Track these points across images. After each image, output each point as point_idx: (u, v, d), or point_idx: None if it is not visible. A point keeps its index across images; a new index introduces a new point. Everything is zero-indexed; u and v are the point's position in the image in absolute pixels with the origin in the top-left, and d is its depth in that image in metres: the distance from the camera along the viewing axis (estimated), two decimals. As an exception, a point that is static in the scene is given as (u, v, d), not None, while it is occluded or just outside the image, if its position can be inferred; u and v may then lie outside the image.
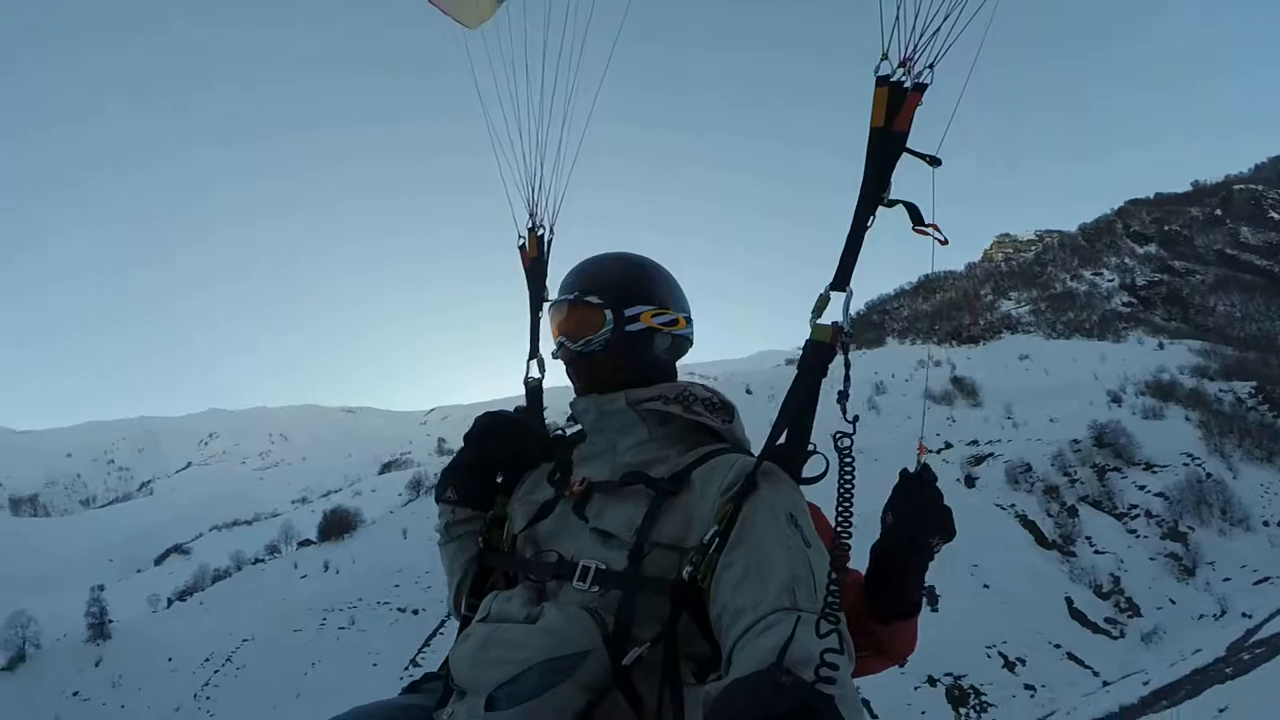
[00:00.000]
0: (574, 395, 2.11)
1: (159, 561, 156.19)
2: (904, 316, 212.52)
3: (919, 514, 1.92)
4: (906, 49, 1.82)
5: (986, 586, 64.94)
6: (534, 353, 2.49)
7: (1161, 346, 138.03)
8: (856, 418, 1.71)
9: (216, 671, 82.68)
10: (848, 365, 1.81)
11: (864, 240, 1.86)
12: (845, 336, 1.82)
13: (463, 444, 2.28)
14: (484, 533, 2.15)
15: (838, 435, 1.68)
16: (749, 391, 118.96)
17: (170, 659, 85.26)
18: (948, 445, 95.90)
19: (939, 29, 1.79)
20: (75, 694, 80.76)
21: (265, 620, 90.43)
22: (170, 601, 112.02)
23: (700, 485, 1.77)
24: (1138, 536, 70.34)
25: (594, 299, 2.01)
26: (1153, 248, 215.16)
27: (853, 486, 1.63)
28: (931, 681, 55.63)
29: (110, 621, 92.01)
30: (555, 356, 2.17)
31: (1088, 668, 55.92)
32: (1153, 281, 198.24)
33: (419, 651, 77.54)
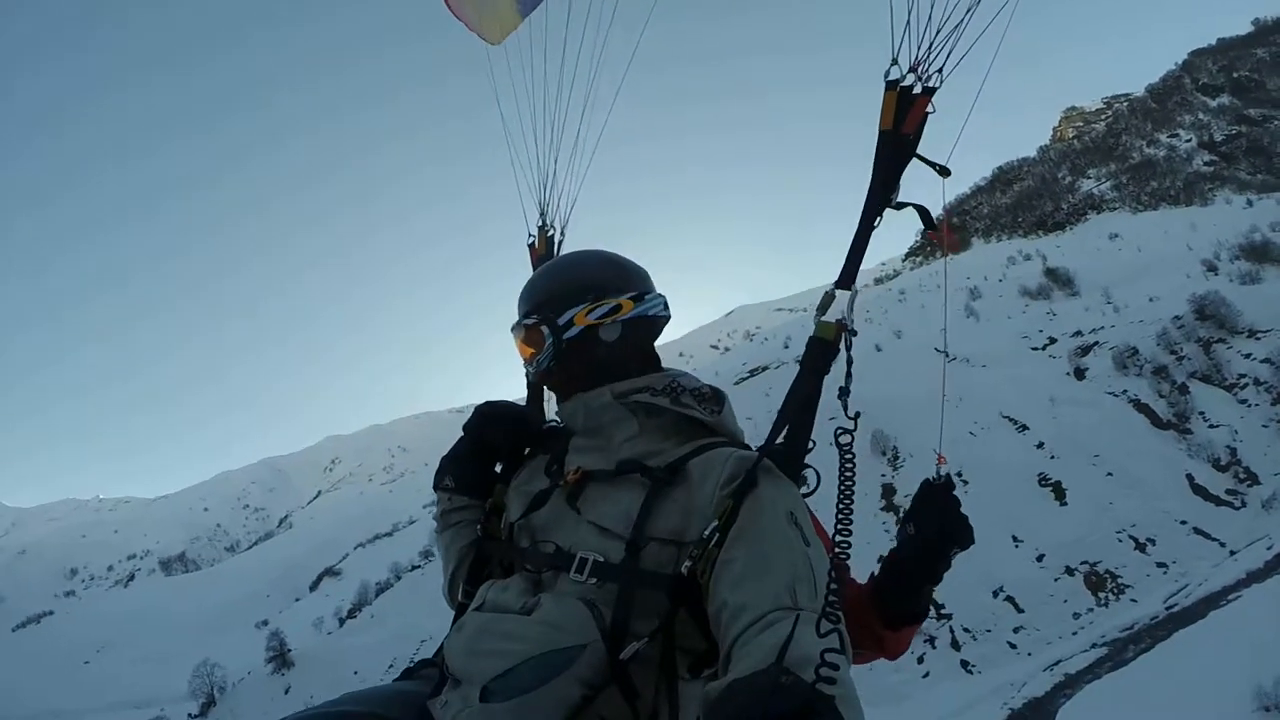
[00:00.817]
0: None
1: (313, 587, 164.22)
2: (985, 214, 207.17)
3: (940, 524, 1.95)
4: (917, 54, 1.84)
5: (1110, 475, 67.02)
6: None
7: (1250, 204, 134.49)
8: (858, 414, 1.73)
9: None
10: (850, 363, 1.85)
11: (869, 241, 1.89)
12: (849, 335, 1.85)
13: (462, 433, 2.28)
14: (482, 521, 2.17)
15: (839, 431, 1.70)
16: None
17: (356, 671, 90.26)
18: (1051, 340, 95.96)
19: (951, 34, 1.80)
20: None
21: (438, 618, 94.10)
22: (341, 621, 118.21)
23: (698, 477, 1.77)
24: (1249, 406, 71.30)
25: (530, 319, 2.04)
26: (1225, 98, 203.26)
27: (853, 485, 1.61)
28: (1069, 571, 58.94)
29: (289, 650, 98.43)
30: (528, 382, 2.31)
31: (1214, 540, 58.26)
32: (1231, 135, 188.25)
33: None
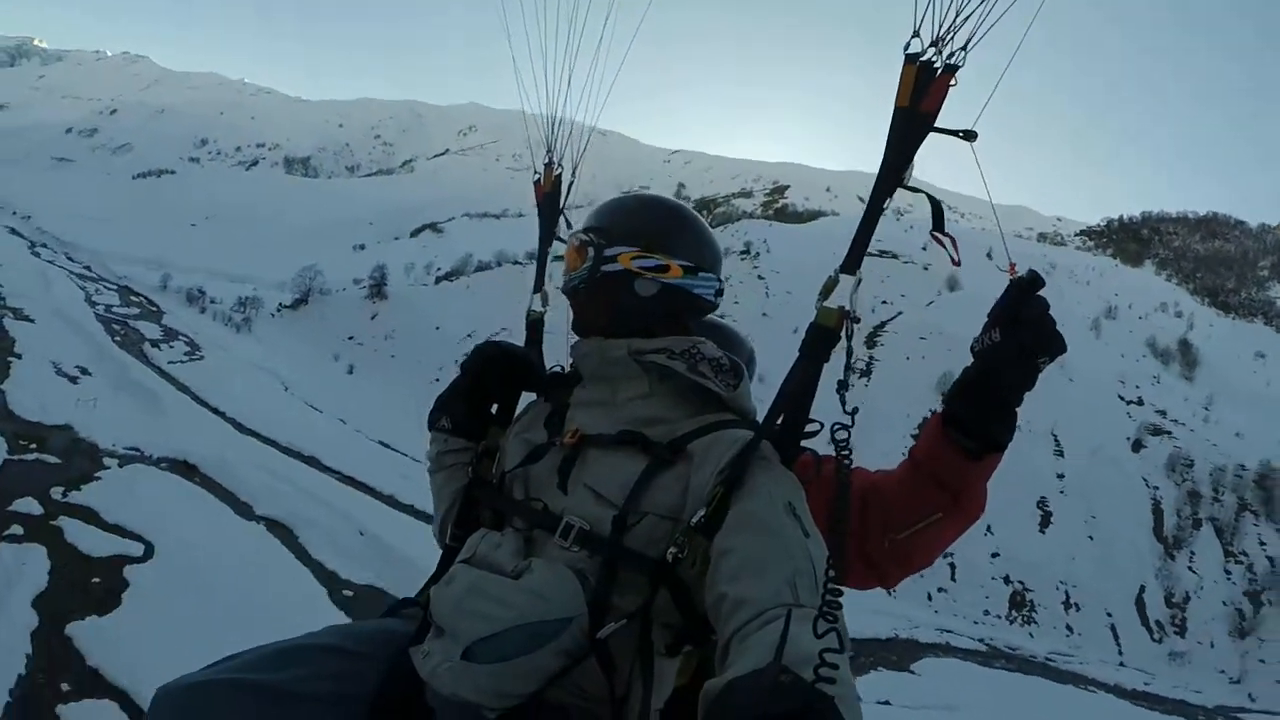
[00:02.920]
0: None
1: (414, 235, 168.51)
2: (1173, 245, 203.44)
3: (1028, 323, 1.69)
4: (940, 27, 1.68)
5: (1091, 538, 75.06)
6: (538, 286, 2.38)
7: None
8: (856, 409, 1.60)
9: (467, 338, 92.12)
10: (849, 354, 1.71)
11: (879, 222, 1.75)
12: (851, 323, 1.71)
13: (460, 372, 2.20)
14: (473, 463, 2.11)
15: (835, 427, 1.61)
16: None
17: (437, 327, 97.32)
18: (1138, 402, 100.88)
19: (977, 8, 1.65)
20: (351, 338, 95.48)
21: (514, 319, 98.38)
22: (437, 279, 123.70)
23: (699, 458, 1.69)
24: (1229, 579, 76.44)
25: (584, 235, 1.94)
26: None
27: (849, 485, 1.55)
28: (1006, 580, 68.68)
29: (386, 285, 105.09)
30: (528, 320, 2.26)
31: (1119, 645, 66.36)
32: None
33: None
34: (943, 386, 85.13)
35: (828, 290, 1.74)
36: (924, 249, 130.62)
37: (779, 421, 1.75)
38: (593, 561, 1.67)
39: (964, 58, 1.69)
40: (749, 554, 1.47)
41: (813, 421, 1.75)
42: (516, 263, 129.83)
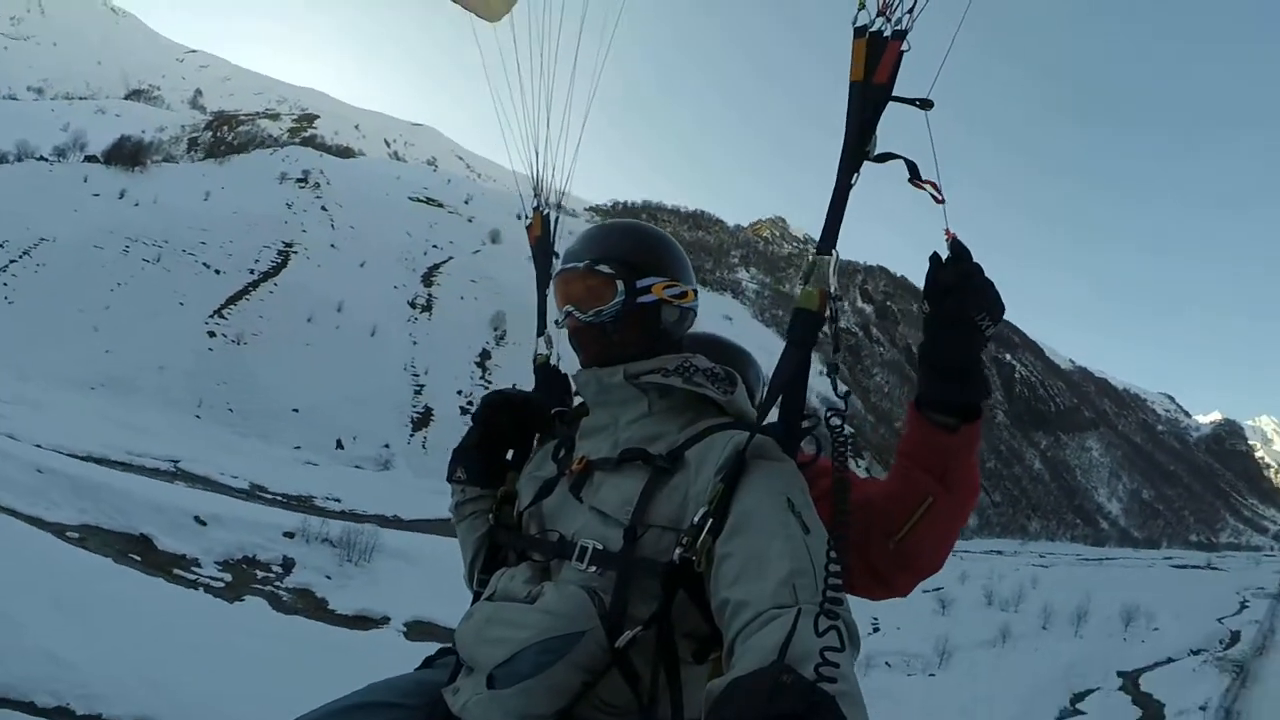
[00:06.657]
0: (577, 369, 2.07)
1: None
2: (666, 230, 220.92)
3: (959, 288, 1.71)
4: None
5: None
6: (541, 329, 2.44)
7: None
8: (849, 393, 1.62)
9: (14, 261, 78.92)
10: (838, 336, 1.74)
11: (849, 199, 1.75)
12: (834, 303, 1.73)
13: (470, 424, 2.26)
14: (494, 510, 2.16)
15: (829, 413, 1.60)
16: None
17: None
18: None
19: None
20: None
21: (63, 225, 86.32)
22: None
23: (695, 464, 1.74)
24: None
25: (606, 269, 1.94)
26: None
27: (848, 473, 1.53)
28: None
29: None
30: (560, 325, 2.10)
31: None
32: None
33: (222, 307, 79.83)
34: (497, 323, 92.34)
35: (808, 273, 1.77)
36: (466, 201, 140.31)
37: (776, 413, 1.78)
38: (605, 578, 1.71)
39: (911, 22, 1.71)
40: (748, 556, 1.47)
41: (809, 418, 1.79)
42: (44, 159, 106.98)
